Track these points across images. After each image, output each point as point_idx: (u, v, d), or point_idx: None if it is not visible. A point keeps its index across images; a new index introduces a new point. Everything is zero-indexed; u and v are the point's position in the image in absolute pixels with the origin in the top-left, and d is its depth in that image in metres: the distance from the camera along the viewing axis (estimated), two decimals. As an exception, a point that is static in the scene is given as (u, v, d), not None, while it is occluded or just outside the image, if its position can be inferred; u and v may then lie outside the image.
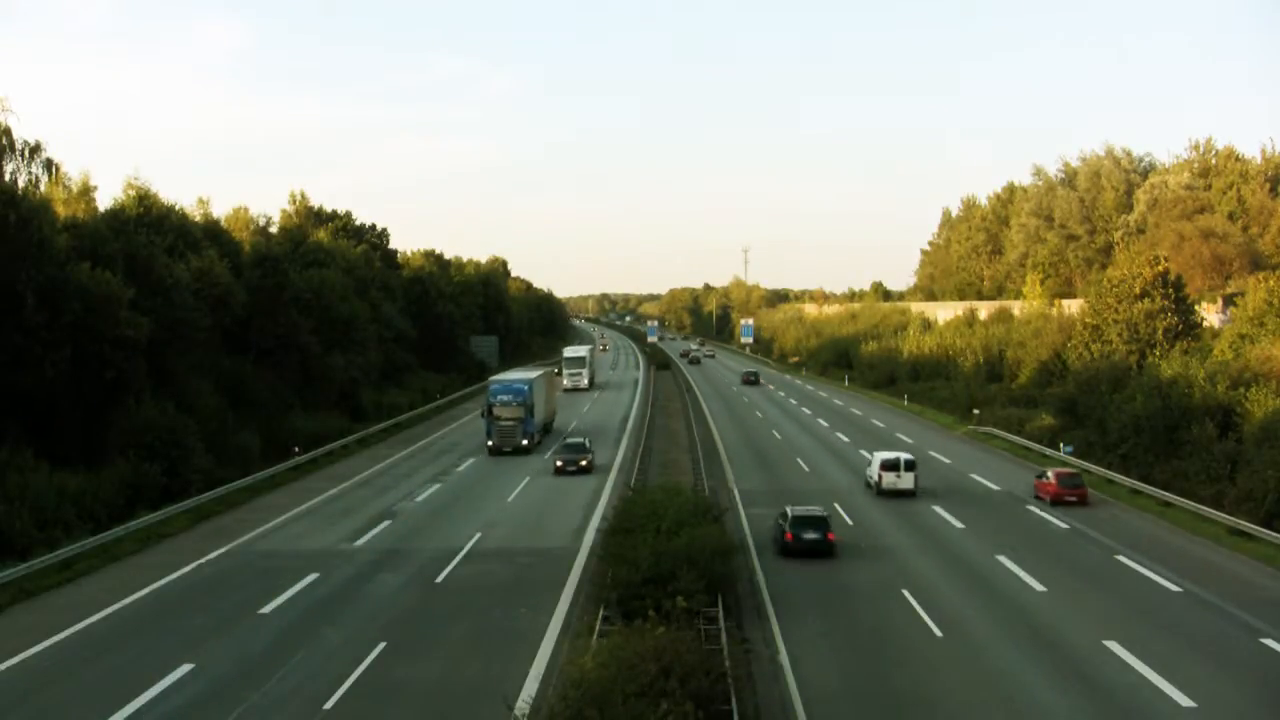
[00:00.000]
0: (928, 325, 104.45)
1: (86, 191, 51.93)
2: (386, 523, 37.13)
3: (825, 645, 23.68)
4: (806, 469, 49.99)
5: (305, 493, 43.37)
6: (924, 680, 21.30)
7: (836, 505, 39.98)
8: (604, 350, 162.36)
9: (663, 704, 15.86)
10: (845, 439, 60.77)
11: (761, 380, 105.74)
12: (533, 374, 59.19)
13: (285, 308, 59.77)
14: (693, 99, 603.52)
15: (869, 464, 45.09)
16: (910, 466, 42.80)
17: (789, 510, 33.41)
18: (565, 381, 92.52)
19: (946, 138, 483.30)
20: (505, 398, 53.74)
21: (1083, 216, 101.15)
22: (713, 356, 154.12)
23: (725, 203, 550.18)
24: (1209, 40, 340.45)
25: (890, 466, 42.82)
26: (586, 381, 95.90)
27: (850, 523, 37.15)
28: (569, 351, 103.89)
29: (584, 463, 46.91)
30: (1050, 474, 41.31)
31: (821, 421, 70.40)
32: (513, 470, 48.63)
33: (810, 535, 32.28)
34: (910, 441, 59.56)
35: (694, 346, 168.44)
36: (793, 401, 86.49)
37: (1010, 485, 44.47)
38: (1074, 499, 40.09)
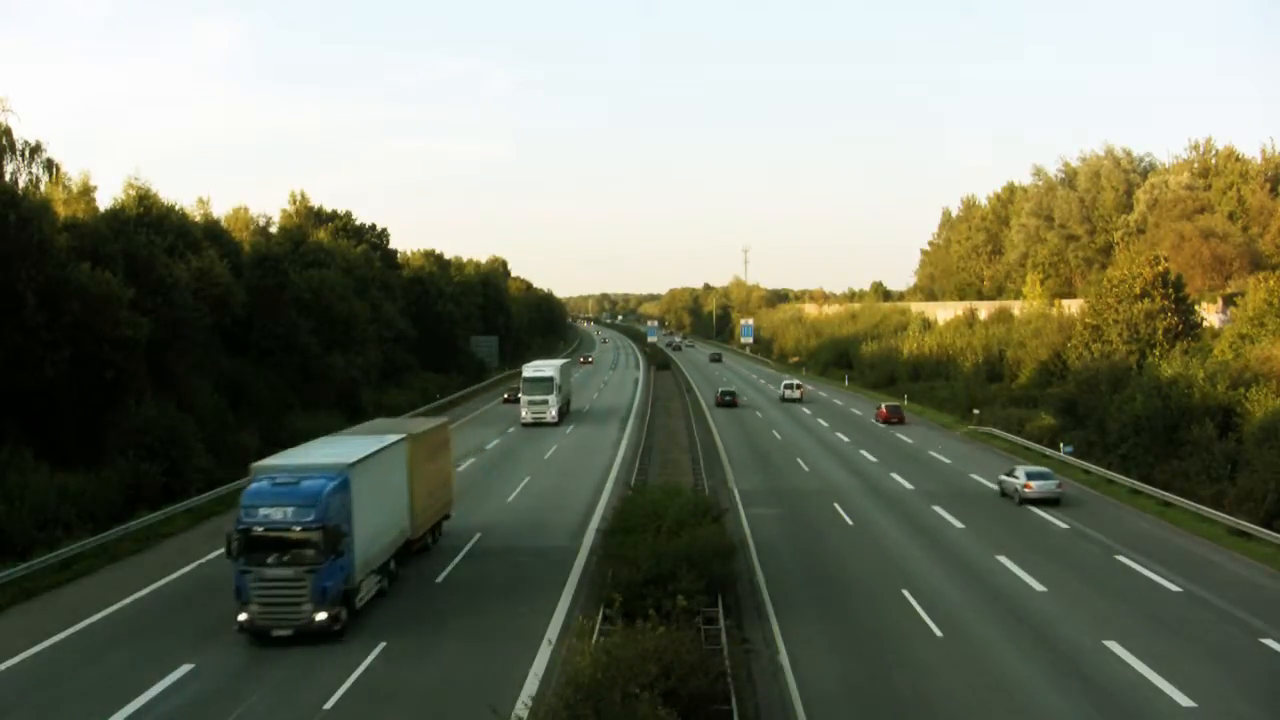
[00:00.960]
0: (928, 325, 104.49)
1: (86, 191, 51.90)
2: (386, 523, 36.97)
3: (825, 645, 23.67)
4: (806, 469, 49.98)
5: (305, 493, 43.21)
6: (924, 680, 21.30)
7: (836, 505, 40.02)
8: (586, 363, 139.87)
9: (662, 705, 15.88)
10: (845, 439, 60.77)
11: (725, 359, 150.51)
12: (345, 457, 26.06)
13: (285, 308, 59.77)
14: (693, 99, 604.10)
15: (779, 387, 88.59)
16: (798, 387, 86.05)
17: (720, 388, 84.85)
18: (525, 414, 66.95)
19: (946, 138, 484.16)
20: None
21: (1083, 216, 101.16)
22: (693, 346, 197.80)
23: (725, 203, 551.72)
24: (1209, 40, 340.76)
25: (788, 386, 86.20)
26: (555, 413, 66.79)
27: (851, 523, 37.16)
28: (529, 370, 70.75)
29: None
30: (883, 406, 70.56)
31: (821, 421, 70.42)
32: (512, 470, 48.62)
33: (728, 398, 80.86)
34: (910, 441, 59.61)
35: (677, 339, 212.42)
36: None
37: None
38: (896, 420, 68.04)
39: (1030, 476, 40.31)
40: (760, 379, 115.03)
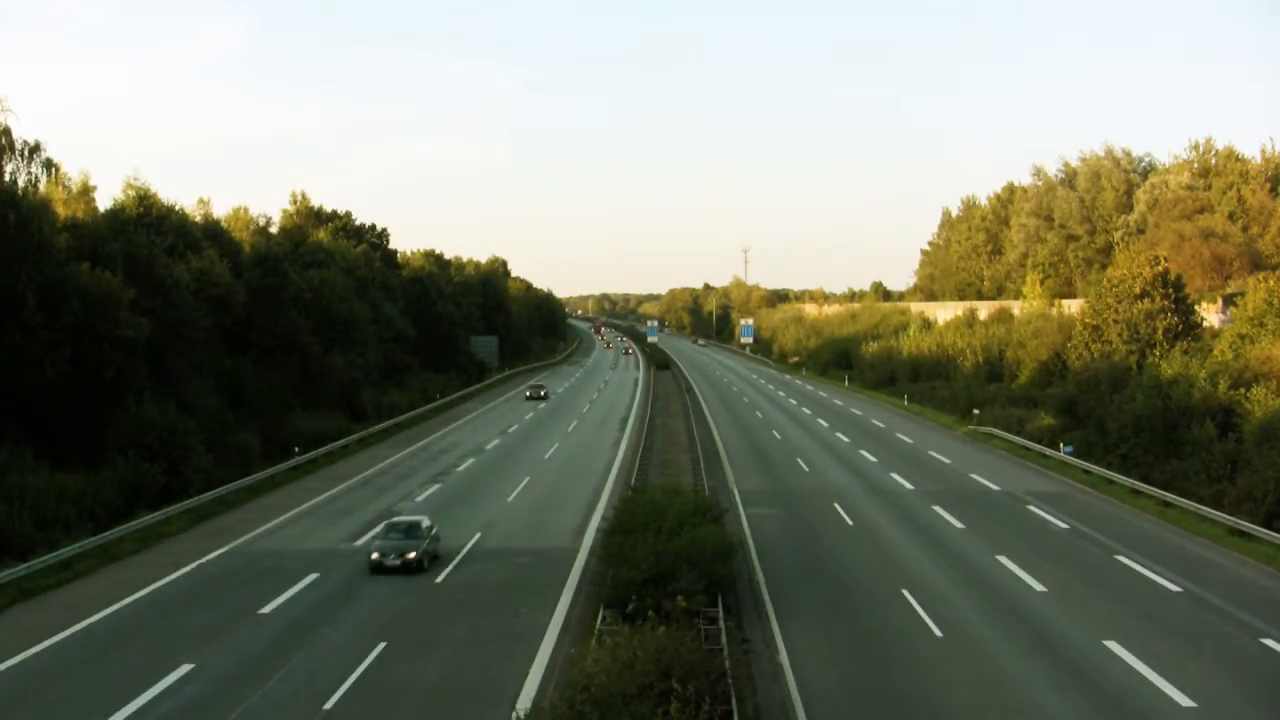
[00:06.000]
0: (928, 325, 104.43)
1: (86, 191, 51.85)
2: (386, 523, 37.07)
3: (825, 645, 23.67)
4: (806, 469, 49.96)
5: (305, 493, 43.35)
6: (924, 680, 21.29)
7: (836, 505, 40.00)
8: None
9: (663, 705, 15.86)
10: (845, 439, 60.77)
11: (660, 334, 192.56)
12: None
13: (285, 308, 59.74)
14: (694, 100, 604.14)
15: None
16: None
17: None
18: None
19: (946, 138, 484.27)
20: None
21: (1083, 216, 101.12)
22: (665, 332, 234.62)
23: (725, 203, 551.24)
24: (1209, 40, 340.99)
25: (692, 340, 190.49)
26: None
27: (850, 523, 37.15)
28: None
29: None
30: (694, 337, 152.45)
31: (821, 421, 70.43)
32: (512, 470, 48.64)
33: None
34: (910, 441, 59.60)
35: (701, 341, 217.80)
36: (793, 401, 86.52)
37: (1010, 485, 44.47)
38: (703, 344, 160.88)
39: None
40: (760, 379, 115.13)
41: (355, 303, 71.56)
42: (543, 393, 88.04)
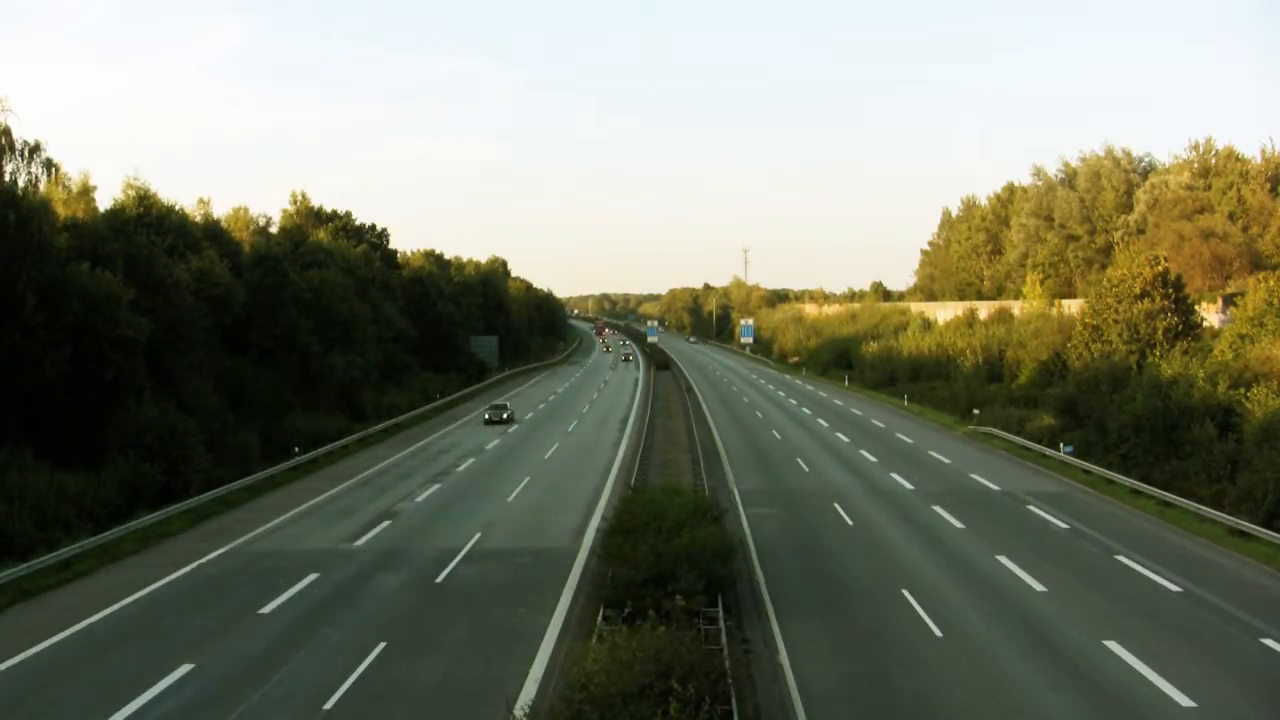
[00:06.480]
0: (928, 325, 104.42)
1: (86, 191, 51.84)
2: (386, 523, 37.11)
3: (825, 645, 23.66)
4: (806, 469, 49.95)
5: (305, 493, 43.36)
6: (924, 680, 21.28)
7: (836, 505, 39.99)
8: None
9: (663, 705, 15.86)
10: (845, 439, 60.77)
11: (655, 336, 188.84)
12: None
13: (285, 308, 59.75)
14: (693, 99, 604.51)
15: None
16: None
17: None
18: None
19: (946, 138, 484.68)
20: None
21: (1083, 216, 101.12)
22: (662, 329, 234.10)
23: (725, 203, 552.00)
24: (1209, 40, 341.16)
25: (689, 340, 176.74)
26: None
27: (850, 523, 37.14)
28: None
29: None
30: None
31: (821, 421, 70.43)
32: (512, 470, 48.63)
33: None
34: (910, 441, 59.59)
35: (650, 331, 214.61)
36: (792, 401, 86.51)
37: (1010, 485, 44.47)
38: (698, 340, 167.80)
39: None
40: (760, 379, 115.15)
41: (355, 303, 71.53)
42: (505, 414, 69.02)
